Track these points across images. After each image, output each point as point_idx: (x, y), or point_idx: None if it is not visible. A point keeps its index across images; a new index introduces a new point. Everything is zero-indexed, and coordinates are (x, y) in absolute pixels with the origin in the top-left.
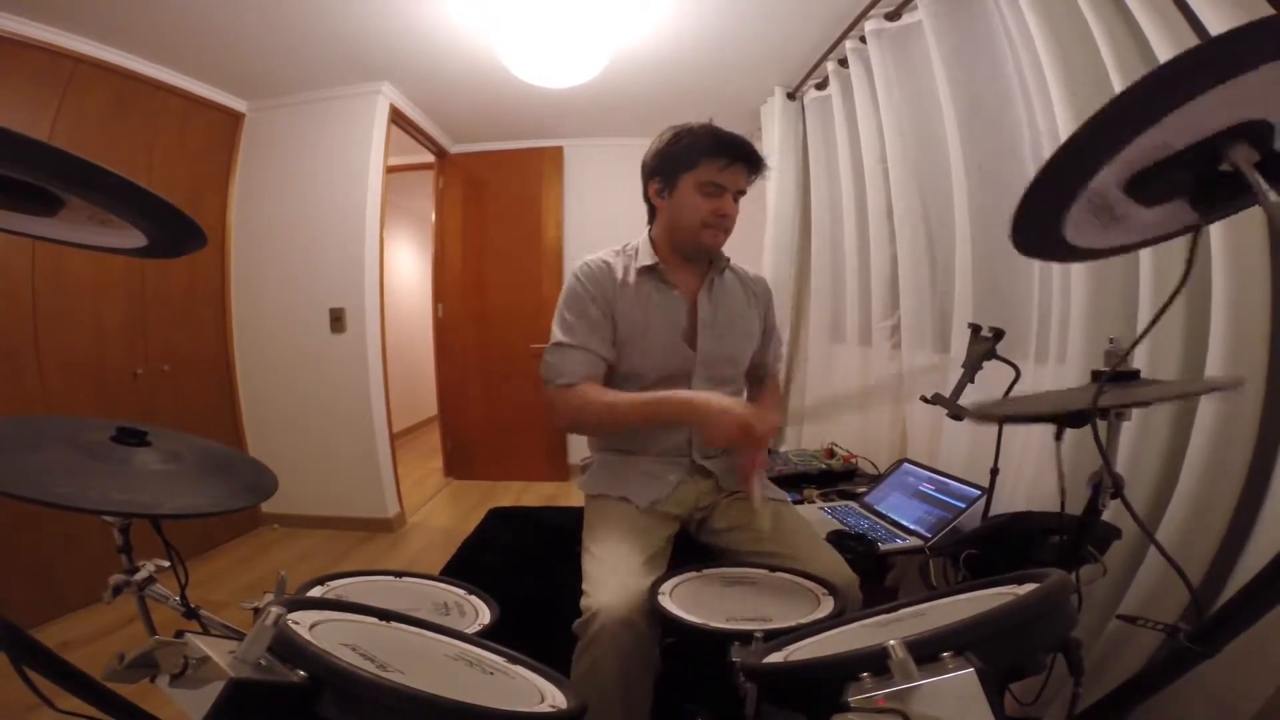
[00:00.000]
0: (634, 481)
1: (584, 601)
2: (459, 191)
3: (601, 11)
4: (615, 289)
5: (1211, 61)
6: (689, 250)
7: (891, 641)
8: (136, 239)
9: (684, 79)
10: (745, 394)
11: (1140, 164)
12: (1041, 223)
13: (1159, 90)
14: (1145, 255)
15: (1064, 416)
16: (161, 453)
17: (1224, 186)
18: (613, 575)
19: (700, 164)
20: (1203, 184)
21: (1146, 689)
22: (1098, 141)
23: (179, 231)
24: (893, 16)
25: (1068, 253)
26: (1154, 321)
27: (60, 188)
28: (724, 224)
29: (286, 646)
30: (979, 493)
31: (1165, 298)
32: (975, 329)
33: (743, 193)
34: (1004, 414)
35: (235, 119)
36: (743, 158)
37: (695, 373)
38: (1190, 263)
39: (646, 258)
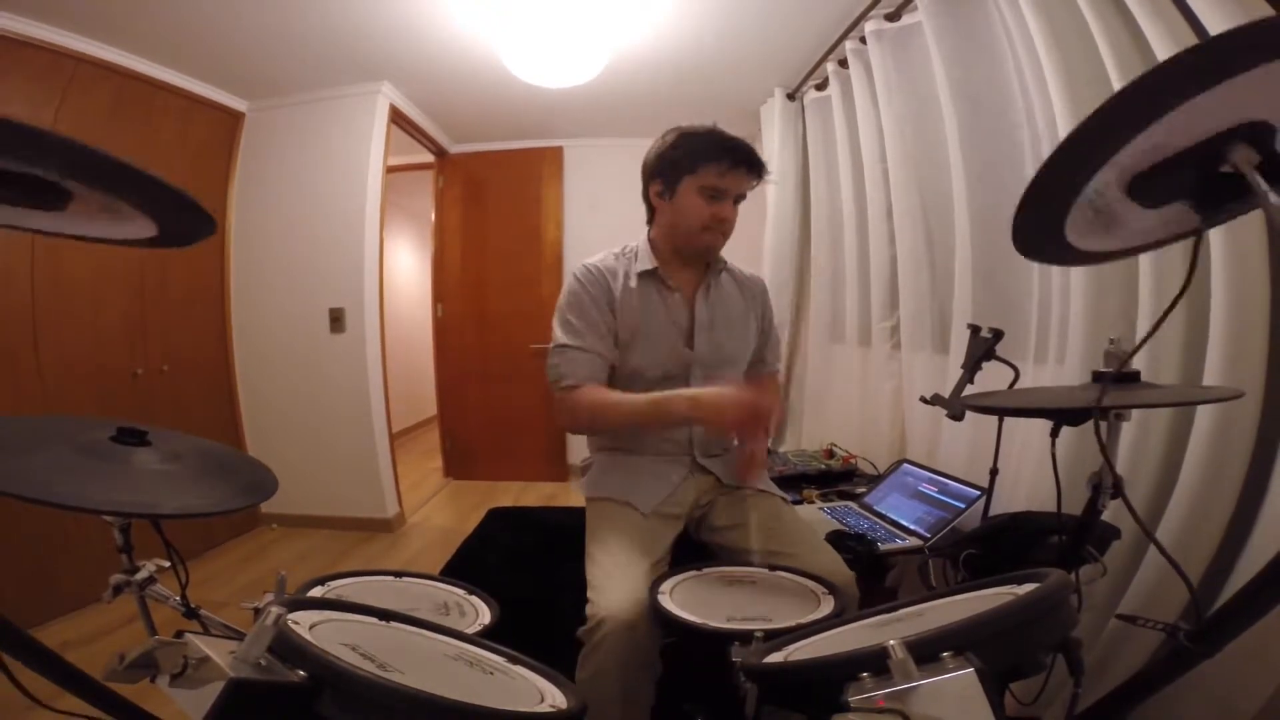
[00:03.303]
0: (636, 484)
1: (589, 609)
2: (459, 191)
3: (601, 11)
4: (616, 290)
5: (1211, 60)
6: (688, 252)
7: (891, 641)
8: (147, 228)
9: (684, 79)
10: None
11: (1141, 164)
12: (1042, 224)
13: (1158, 88)
14: (1144, 256)
15: (1060, 413)
16: (161, 453)
17: (1225, 188)
18: (618, 582)
19: (701, 168)
20: (1204, 186)
21: (1146, 689)
22: (1097, 140)
23: (188, 217)
24: (893, 17)
25: (1071, 255)
26: (1155, 326)
27: (65, 176)
28: (723, 228)
29: (286, 646)
30: (978, 493)
31: (1165, 298)
32: (975, 329)
33: (743, 197)
34: (1001, 406)
35: (235, 119)
36: (744, 162)
37: (693, 374)
38: (1192, 267)
39: (646, 261)
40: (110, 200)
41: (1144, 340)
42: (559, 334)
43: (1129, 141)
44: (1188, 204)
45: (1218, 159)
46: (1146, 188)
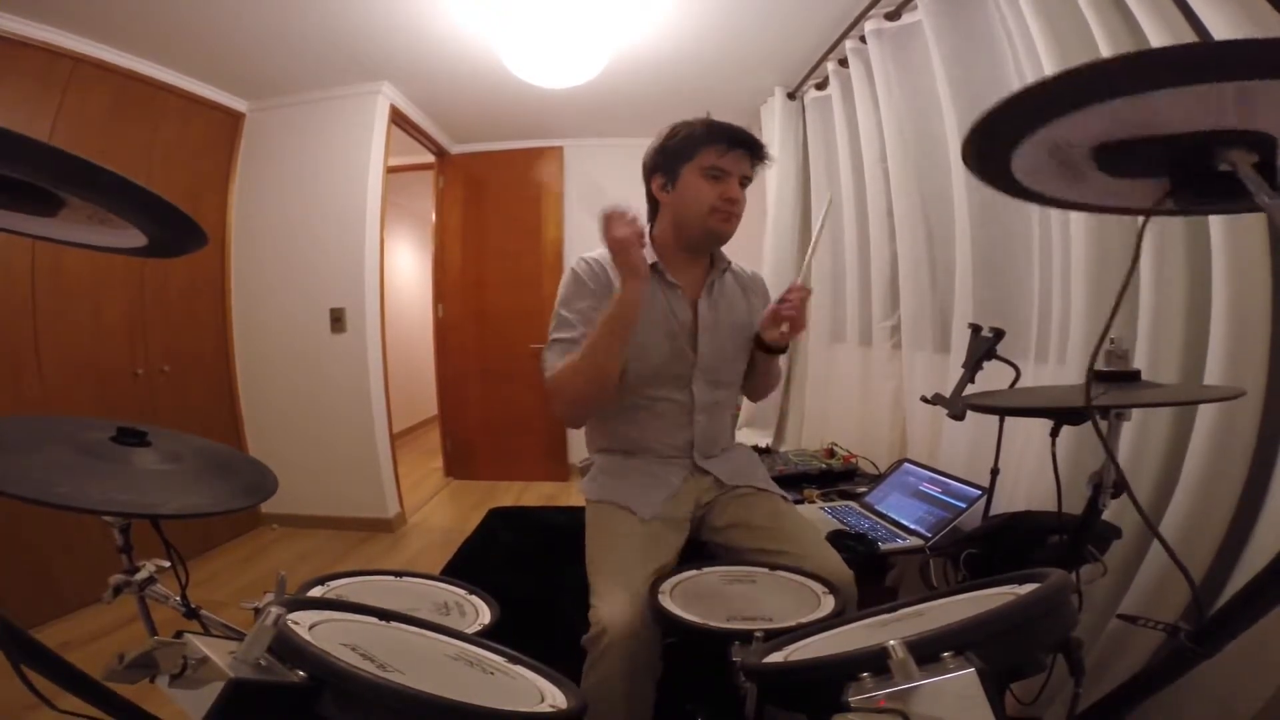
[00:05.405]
0: (636, 488)
1: (592, 615)
2: (459, 191)
3: (601, 11)
4: (616, 285)
5: (1208, 59)
6: (698, 241)
7: (892, 641)
8: (136, 238)
9: (684, 79)
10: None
11: (1119, 133)
12: (990, 151)
13: (1144, 68)
14: (1146, 257)
15: (1060, 412)
16: (161, 453)
17: (1215, 185)
18: (620, 589)
19: (700, 152)
20: (1190, 177)
21: (1146, 689)
22: (1067, 93)
23: (179, 231)
24: (893, 16)
25: (1016, 190)
26: (1115, 310)
27: (60, 187)
28: (732, 209)
29: (286, 646)
30: (979, 492)
31: (1167, 299)
32: (975, 329)
33: (748, 180)
34: (1001, 406)
35: (235, 119)
36: (742, 143)
37: (695, 376)
38: (1138, 248)
39: (648, 256)
40: (98, 210)
41: (1105, 332)
42: (551, 329)
43: (1099, 103)
44: (1164, 187)
45: (1213, 155)
46: (1119, 156)
